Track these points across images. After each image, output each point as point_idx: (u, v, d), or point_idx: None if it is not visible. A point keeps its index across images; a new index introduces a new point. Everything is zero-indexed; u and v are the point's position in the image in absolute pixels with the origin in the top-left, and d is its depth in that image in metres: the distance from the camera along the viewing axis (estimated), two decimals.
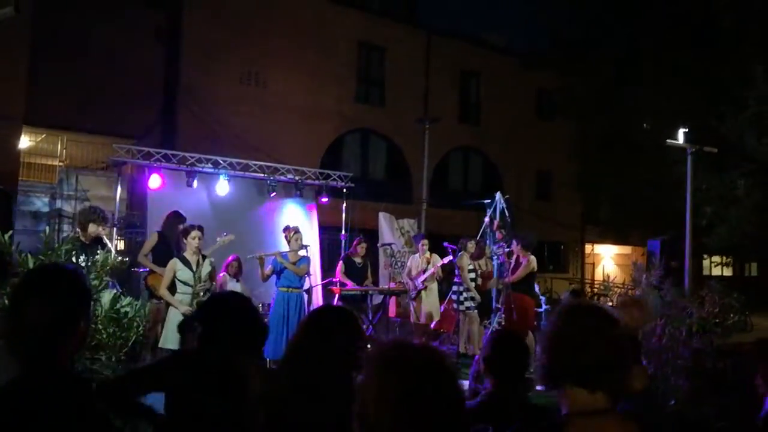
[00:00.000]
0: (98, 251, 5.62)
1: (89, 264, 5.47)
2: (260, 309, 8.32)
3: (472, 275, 9.33)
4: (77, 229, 6.20)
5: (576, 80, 19.34)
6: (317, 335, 2.12)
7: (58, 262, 3.46)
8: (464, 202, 14.74)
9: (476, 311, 9.18)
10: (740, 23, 14.66)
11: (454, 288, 9.03)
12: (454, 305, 9.06)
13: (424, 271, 9.08)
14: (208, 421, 2.22)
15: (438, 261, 9.10)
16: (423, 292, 9.11)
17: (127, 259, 5.93)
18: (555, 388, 1.64)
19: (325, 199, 10.68)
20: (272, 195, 10.08)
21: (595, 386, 1.57)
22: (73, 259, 5.05)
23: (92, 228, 5.90)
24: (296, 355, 2.15)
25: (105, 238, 6.08)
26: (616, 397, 1.60)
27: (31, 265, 3.95)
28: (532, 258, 8.51)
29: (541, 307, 10.69)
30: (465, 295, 9.01)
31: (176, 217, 7.36)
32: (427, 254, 9.29)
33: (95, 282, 4.24)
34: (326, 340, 2.08)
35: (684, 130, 11.19)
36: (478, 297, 9.29)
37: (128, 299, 4.28)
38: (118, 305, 4.15)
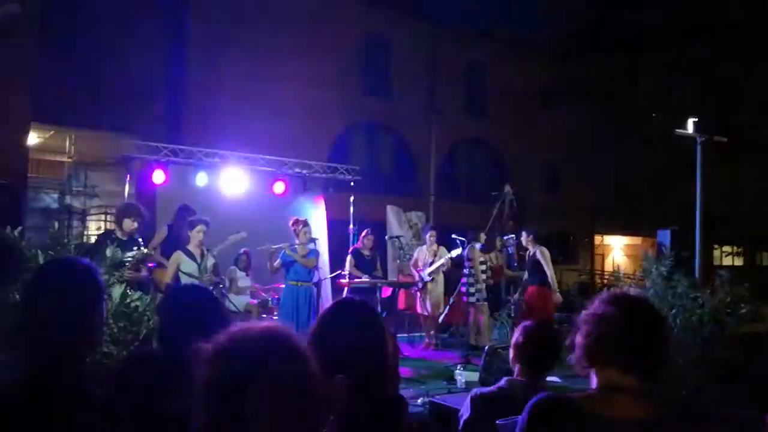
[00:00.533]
0: (134, 248, 5.65)
1: (124, 259, 5.49)
2: (269, 303, 8.35)
3: (483, 267, 9.30)
4: (114, 226, 6.20)
5: (583, 71, 19.22)
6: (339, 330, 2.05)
7: (71, 257, 3.46)
8: (472, 194, 14.72)
9: (486, 303, 9.13)
10: (750, 17, 14.53)
11: (464, 280, 9.02)
12: (464, 297, 9.06)
13: (431, 263, 9.09)
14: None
15: (445, 253, 9.11)
16: (429, 283, 9.13)
17: (147, 251, 5.97)
18: (590, 368, 1.71)
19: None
20: (280, 189, 10.08)
21: (627, 368, 1.63)
22: (110, 253, 5.07)
23: (127, 223, 5.90)
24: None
25: (135, 233, 6.07)
26: (648, 380, 1.65)
27: (41, 261, 3.96)
28: (545, 250, 8.55)
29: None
30: (476, 286, 8.99)
31: (185, 210, 7.40)
32: (434, 246, 9.30)
33: (106, 277, 4.25)
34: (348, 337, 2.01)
35: (694, 119, 11.08)
36: (484, 289, 9.24)
37: (138, 293, 4.29)
38: (128, 299, 4.16)
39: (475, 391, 2.81)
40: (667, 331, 1.76)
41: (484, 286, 9.20)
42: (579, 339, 1.72)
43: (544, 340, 2.79)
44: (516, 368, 2.78)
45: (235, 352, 1.23)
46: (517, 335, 2.86)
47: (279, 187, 9.62)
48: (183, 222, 7.09)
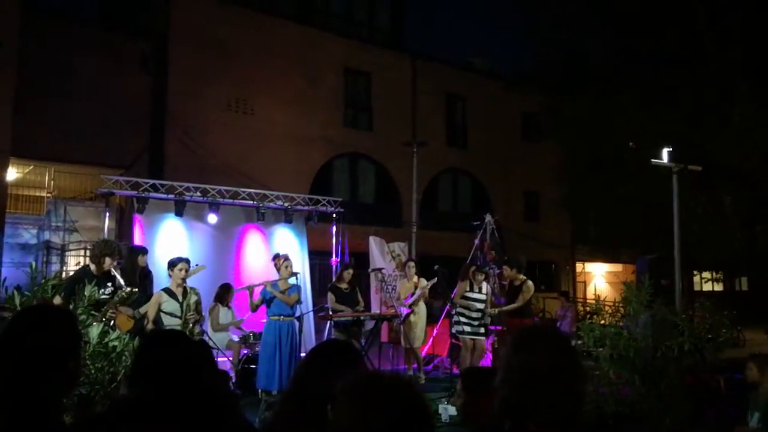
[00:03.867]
0: (108, 285, 5.58)
1: (100, 298, 5.42)
2: (250, 338, 8.26)
3: (478, 305, 8.91)
4: (89, 263, 6.07)
5: (560, 102, 19.55)
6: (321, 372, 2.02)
7: (46, 304, 3.42)
8: (454, 224, 14.77)
9: (471, 337, 8.86)
10: (722, 43, 14.90)
11: (453, 312, 8.95)
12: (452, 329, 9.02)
13: (412, 295, 9.07)
14: None
15: (425, 284, 9.12)
16: (411, 315, 9.09)
17: (136, 290, 5.89)
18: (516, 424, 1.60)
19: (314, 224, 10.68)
20: (262, 221, 10.06)
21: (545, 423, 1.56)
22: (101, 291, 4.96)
23: (108, 262, 5.81)
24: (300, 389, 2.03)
25: (113, 270, 5.98)
26: (563, 420, 1.58)
27: (17, 301, 3.90)
28: (530, 283, 8.45)
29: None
30: (456, 318, 8.90)
31: (135, 250, 7.34)
32: (415, 278, 9.28)
33: (83, 317, 4.20)
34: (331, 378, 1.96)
35: (668, 149, 11.29)
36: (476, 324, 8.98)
37: (116, 333, 4.23)
38: (106, 339, 4.10)
39: None
40: (579, 367, 1.68)
41: (476, 320, 8.91)
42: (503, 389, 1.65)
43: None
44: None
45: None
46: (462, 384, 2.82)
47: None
48: (134, 262, 6.99)
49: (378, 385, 1.42)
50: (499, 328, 9.44)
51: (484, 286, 8.95)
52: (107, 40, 15.24)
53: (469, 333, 8.72)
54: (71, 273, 13.11)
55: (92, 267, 5.86)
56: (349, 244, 11.14)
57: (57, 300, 4.54)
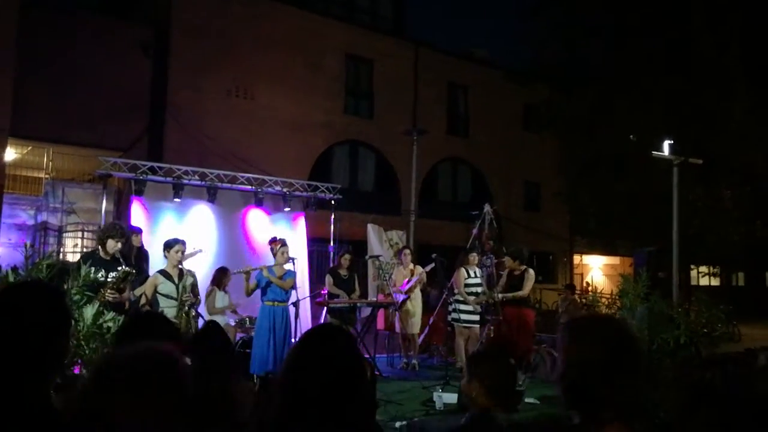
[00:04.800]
0: (119, 269, 5.56)
1: (107, 280, 5.40)
2: (246, 323, 8.26)
3: (477, 289, 9.03)
4: (97, 246, 6.04)
5: (562, 94, 19.50)
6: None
7: (36, 281, 3.40)
8: (453, 213, 14.76)
9: (465, 324, 8.92)
10: (721, 39, 14.86)
11: (450, 300, 8.99)
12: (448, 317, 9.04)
13: (408, 281, 9.08)
14: None
15: (421, 271, 9.14)
16: (408, 302, 9.10)
17: (134, 270, 5.86)
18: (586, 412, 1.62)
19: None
20: (260, 207, 10.04)
21: (604, 407, 1.58)
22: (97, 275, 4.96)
23: (111, 244, 5.77)
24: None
25: (117, 253, 5.95)
26: (628, 411, 1.61)
27: (12, 279, 3.89)
28: (531, 271, 8.48)
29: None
30: (454, 306, 8.92)
31: (128, 230, 7.19)
32: (411, 266, 9.28)
33: (77, 297, 4.18)
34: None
35: (669, 141, 11.27)
36: (476, 308, 8.96)
37: (111, 314, 4.22)
38: (101, 320, 4.09)
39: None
40: (640, 357, 1.72)
41: (473, 308, 8.94)
42: (557, 378, 1.67)
43: (497, 368, 2.70)
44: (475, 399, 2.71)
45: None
46: (468, 366, 2.82)
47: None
48: (127, 243, 6.89)
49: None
50: (495, 317, 9.46)
51: (477, 270, 9.03)
52: (109, 25, 15.15)
53: (464, 321, 8.76)
54: (68, 255, 13.13)
55: (100, 251, 5.83)
56: (347, 232, 11.14)
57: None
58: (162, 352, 1.46)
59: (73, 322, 3.51)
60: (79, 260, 5.64)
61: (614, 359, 1.61)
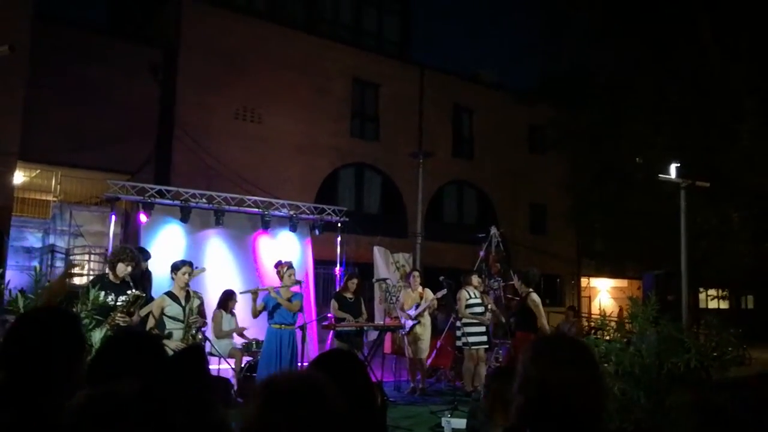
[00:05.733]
0: (128, 292, 5.54)
1: (117, 304, 5.37)
2: (253, 346, 8.22)
3: (478, 309, 9.06)
4: (107, 269, 6.01)
5: (567, 116, 19.55)
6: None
7: (52, 306, 3.40)
8: (459, 235, 14.73)
9: (480, 349, 8.84)
10: (728, 59, 14.90)
11: (458, 324, 8.92)
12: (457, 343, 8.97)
13: (417, 305, 9.01)
14: None
15: (431, 296, 9.05)
16: (417, 326, 9.02)
17: (144, 294, 5.82)
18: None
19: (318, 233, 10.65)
20: (267, 229, 10.05)
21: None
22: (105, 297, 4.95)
23: (121, 267, 5.75)
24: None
25: (127, 277, 5.93)
26: None
27: (20, 303, 3.89)
28: (534, 296, 8.42)
29: None
30: (462, 330, 8.85)
31: (139, 253, 7.15)
32: (420, 289, 9.22)
33: (86, 321, 4.18)
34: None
35: (676, 164, 11.25)
36: (477, 334, 8.94)
37: None
38: None
39: None
40: (601, 381, 1.68)
41: (479, 330, 8.91)
42: (514, 392, 1.65)
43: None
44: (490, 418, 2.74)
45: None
46: (485, 384, 2.84)
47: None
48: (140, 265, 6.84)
49: None
50: (503, 341, 9.40)
51: (477, 292, 9.03)
52: (118, 48, 15.34)
53: (473, 344, 8.69)
54: (75, 279, 13.14)
55: (110, 274, 5.81)
56: (353, 254, 11.13)
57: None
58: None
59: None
60: (87, 284, 5.62)
61: (573, 380, 1.59)
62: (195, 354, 2.56)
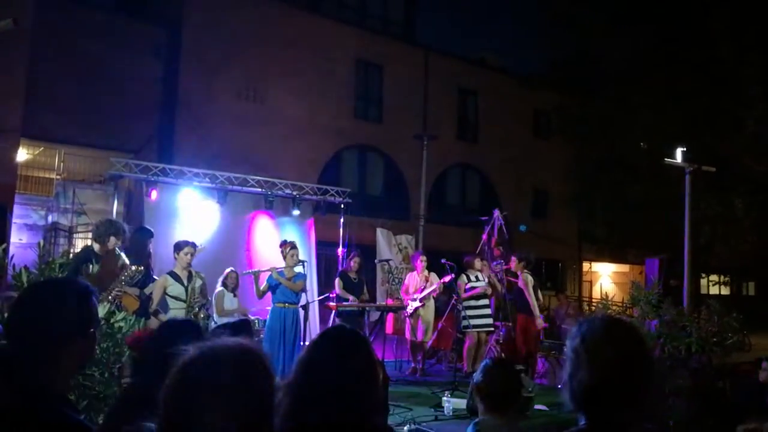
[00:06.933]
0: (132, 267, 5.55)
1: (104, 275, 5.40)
2: (256, 325, 8.25)
3: (479, 289, 9.05)
4: (93, 242, 6.02)
5: (572, 101, 19.43)
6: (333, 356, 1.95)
7: (62, 278, 3.39)
8: (462, 218, 14.73)
9: (479, 330, 8.86)
10: (738, 48, 14.77)
11: (459, 307, 8.93)
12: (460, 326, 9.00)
13: (423, 289, 9.01)
14: None
15: (436, 280, 9.04)
16: (420, 309, 9.04)
17: (142, 268, 5.82)
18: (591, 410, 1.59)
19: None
20: (270, 210, 10.04)
21: (616, 409, 1.56)
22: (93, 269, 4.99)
23: (112, 241, 5.77)
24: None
25: (118, 250, 5.95)
26: (639, 416, 1.59)
27: (24, 279, 3.89)
28: (525, 274, 8.61)
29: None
30: (464, 313, 8.86)
31: (142, 233, 7.09)
32: (426, 272, 9.22)
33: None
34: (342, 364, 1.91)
35: (682, 149, 11.20)
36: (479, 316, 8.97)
37: (122, 314, 4.22)
38: (112, 320, 4.09)
39: None
40: (653, 364, 1.68)
41: (483, 313, 8.90)
42: (565, 377, 1.63)
43: (503, 379, 2.78)
44: (480, 407, 2.79)
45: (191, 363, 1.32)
46: (476, 374, 2.87)
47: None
48: (140, 245, 6.76)
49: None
50: (505, 323, 9.44)
51: (479, 274, 9.00)
52: (121, 25, 15.24)
53: (476, 326, 8.71)
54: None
55: (96, 246, 5.81)
56: (355, 236, 11.12)
57: None
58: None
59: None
60: (74, 258, 5.57)
61: (630, 362, 1.59)
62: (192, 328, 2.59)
